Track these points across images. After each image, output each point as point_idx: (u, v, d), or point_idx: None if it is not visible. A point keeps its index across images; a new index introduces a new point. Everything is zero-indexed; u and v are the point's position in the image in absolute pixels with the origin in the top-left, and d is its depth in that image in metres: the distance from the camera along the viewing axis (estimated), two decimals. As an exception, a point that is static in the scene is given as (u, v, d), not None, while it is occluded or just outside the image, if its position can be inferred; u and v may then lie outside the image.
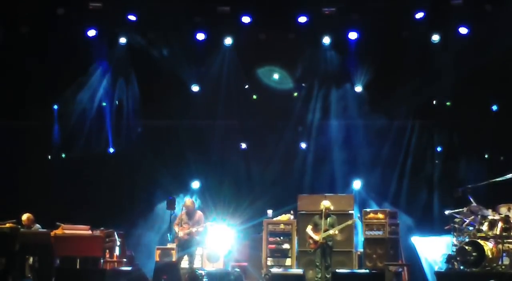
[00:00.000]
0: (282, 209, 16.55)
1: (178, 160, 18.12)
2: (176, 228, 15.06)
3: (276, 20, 16.90)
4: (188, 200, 15.41)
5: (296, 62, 17.78)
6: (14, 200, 16.96)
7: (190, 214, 14.97)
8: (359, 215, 16.24)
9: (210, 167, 18.13)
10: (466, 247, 13.36)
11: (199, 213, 15.16)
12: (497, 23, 16.05)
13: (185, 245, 14.89)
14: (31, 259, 13.69)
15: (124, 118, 18.46)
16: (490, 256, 13.18)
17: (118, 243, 15.67)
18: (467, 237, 13.71)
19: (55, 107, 18.30)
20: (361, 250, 15.95)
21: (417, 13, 16.60)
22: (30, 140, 17.73)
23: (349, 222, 15.15)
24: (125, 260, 15.78)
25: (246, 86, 18.21)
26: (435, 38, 16.99)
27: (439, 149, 17.96)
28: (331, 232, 14.57)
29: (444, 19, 16.70)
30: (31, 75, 17.04)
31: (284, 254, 15.93)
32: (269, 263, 15.87)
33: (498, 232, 13.40)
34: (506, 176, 14.18)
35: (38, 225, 14.82)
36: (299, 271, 14.17)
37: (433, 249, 15.94)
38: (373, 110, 17.72)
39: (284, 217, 16.26)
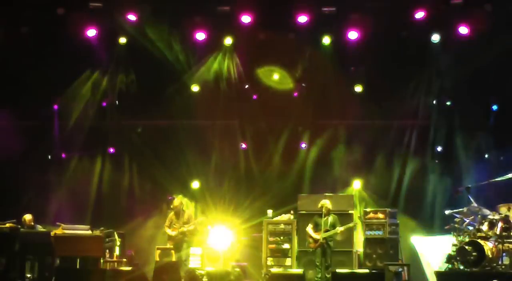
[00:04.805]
0: (282, 209, 16.57)
1: (178, 160, 18.12)
2: (167, 230, 15.17)
3: (276, 20, 16.90)
4: (176, 200, 15.53)
5: (296, 62, 17.77)
6: (14, 200, 16.97)
7: (178, 214, 15.11)
8: (359, 215, 16.25)
9: (210, 167, 18.12)
10: (466, 247, 13.37)
11: (187, 213, 15.33)
12: (497, 23, 16.05)
13: (180, 245, 14.99)
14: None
15: (124, 118, 18.45)
16: (490, 256, 13.19)
17: (118, 243, 15.70)
18: (467, 237, 13.71)
19: (55, 107, 18.30)
20: (361, 250, 15.95)
21: (417, 13, 16.59)
22: (30, 140, 17.71)
23: (351, 224, 15.16)
24: (125, 260, 15.80)
25: (246, 86, 18.21)
26: (435, 38, 16.99)
27: (439, 149, 17.95)
28: (341, 229, 14.57)
29: (444, 19, 16.70)
30: (31, 75, 17.02)
31: (284, 254, 15.94)
32: (269, 263, 15.88)
33: (498, 232, 13.40)
34: (506, 176, 14.18)
35: (38, 225, 14.84)
36: (299, 271, 14.17)
37: (433, 249, 15.93)
38: (373, 110, 17.73)
39: (284, 217, 16.27)
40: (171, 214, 15.45)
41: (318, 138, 18.15)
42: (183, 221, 15.19)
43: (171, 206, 15.61)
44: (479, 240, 13.38)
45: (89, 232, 14.29)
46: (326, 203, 14.80)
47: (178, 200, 15.78)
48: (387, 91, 17.45)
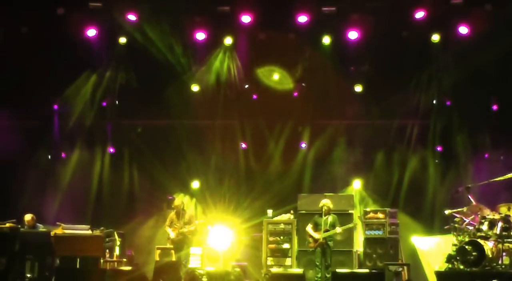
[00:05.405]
0: (282, 208, 16.58)
1: (178, 160, 18.13)
2: (168, 230, 15.19)
3: (276, 20, 16.91)
4: (176, 200, 15.55)
5: (296, 62, 17.78)
6: (14, 200, 16.98)
7: (179, 213, 15.10)
8: (359, 215, 16.26)
9: (210, 167, 18.14)
10: (466, 247, 13.35)
11: (189, 213, 15.34)
12: (497, 23, 16.06)
13: (180, 246, 15.00)
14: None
15: (124, 118, 18.46)
16: (490, 256, 13.18)
17: (118, 243, 15.70)
18: (467, 236, 13.71)
19: (55, 107, 18.31)
20: (361, 249, 15.96)
21: (417, 13, 16.59)
22: (30, 140, 17.73)
23: (351, 225, 15.16)
24: (125, 260, 15.81)
25: (246, 86, 18.22)
26: (435, 38, 16.99)
27: (439, 148, 17.96)
28: (338, 230, 14.59)
29: (444, 19, 16.71)
30: (31, 75, 17.02)
31: (284, 254, 15.94)
32: (269, 263, 15.88)
33: (498, 232, 13.39)
34: (506, 176, 14.18)
35: (40, 225, 14.86)
36: (299, 271, 14.16)
37: (433, 249, 15.93)
38: (373, 109, 17.73)
39: (284, 217, 16.27)
40: (172, 214, 15.47)
41: (318, 138, 18.16)
42: (184, 221, 15.19)
43: (172, 206, 15.63)
44: (479, 240, 13.37)
45: (89, 232, 14.30)
46: (327, 203, 14.80)
47: (179, 199, 15.84)
48: (387, 91, 17.44)
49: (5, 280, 12.56)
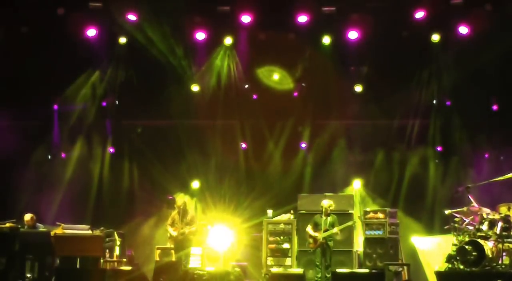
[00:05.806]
0: (282, 208, 16.58)
1: (178, 160, 18.14)
2: (169, 229, 15.18)
3: (276, 20, 16.91)
4: (179, 199, 15.53)
5: (296, 62, 17.78)
6: (14, 200, 16.99)
7: (182, 213, 15.09)
8: (359, 215, 16.26)
9: (210, 167, 18.14)
10: (466, 247, 13.35)
11: (190, 214, 15.31)
12: (497, 23, 16.06)
13: (181, 246, 14.99)
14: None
15: (124, 118, 18.45)
16: (490, 256, 13.19)
17: (118, 243, 15.70)
18: (467, 236, 13.70)
19: (55, 107, 18.31)
20: (361, 249, 15.95)
21: (417, 13, 16.60)
22: (30, 140, 17.72)
23: (349, 223, 15.14)
24: (125, 260, 15.81)
25: (246, 86, 18.22)
26: (435, 38, 16.99)
27: (439, 148, 17.96)
28: (334, 230, 14.58)
29: (444, 19, 16.71)
30: (31, 75, 17.02)
31: (284, 254, 15.94)
32: (269, 263, 15.88)
33: (498, 232, 13.40)
34: (506, 176, 14.18)
35: (40, 225, 14.86)
36: (299, 271, 14.17)
37: (433, 249, 15.93)
38: (373, 109, 17.73)
39: (284, 217, 16.27)
40: (174, 213, 15.41)
41: (318, 137, 18.16)
42: (186, 222, 15.15)
43: (175, 205, 15.58)
44: (479, 240, 13.37)
45: (89, 232, 14.30)
46: (332, 204, 14.78)
47: (181, 199, 15.79)
48: (387, 91, 17.45)
49: (5, 280, 12.55)
